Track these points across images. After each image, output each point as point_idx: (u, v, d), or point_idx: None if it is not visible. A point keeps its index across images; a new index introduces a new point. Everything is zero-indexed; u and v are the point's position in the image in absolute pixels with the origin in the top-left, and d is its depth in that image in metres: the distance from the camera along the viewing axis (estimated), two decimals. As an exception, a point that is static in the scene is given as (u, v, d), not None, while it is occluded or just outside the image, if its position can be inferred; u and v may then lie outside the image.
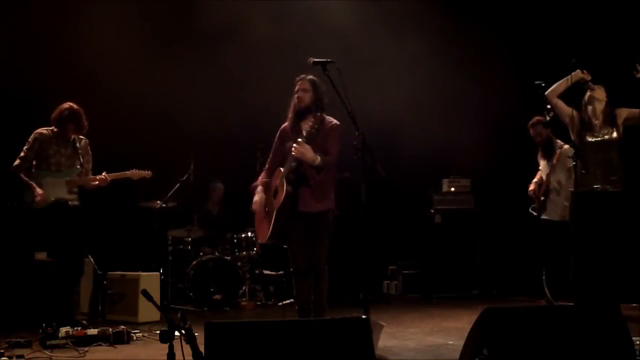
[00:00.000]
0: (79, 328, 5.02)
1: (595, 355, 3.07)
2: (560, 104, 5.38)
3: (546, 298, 6.42)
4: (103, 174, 5.61)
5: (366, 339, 2.93)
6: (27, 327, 5.29)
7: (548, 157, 6.44)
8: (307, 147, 4.36)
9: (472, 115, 7.89)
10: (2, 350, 4.52)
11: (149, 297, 3.04)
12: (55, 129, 5.57)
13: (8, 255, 6.22)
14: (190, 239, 7.51)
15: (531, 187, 6.60)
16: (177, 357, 2.88)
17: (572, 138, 5.44)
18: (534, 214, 6.55)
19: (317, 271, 4.55)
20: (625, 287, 5.34)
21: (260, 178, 4.85)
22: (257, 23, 7.56)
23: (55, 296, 5.45)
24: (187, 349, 2.83)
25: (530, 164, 6.88)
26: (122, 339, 5.03)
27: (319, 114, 4.50)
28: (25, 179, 5.45)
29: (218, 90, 7.62)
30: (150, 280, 6.39)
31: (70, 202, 5.56)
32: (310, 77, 4.65)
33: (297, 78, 4.69)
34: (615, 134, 5.33)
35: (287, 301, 7.21)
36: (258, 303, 7.43)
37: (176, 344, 2.89)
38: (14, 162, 5.52)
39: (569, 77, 5.26)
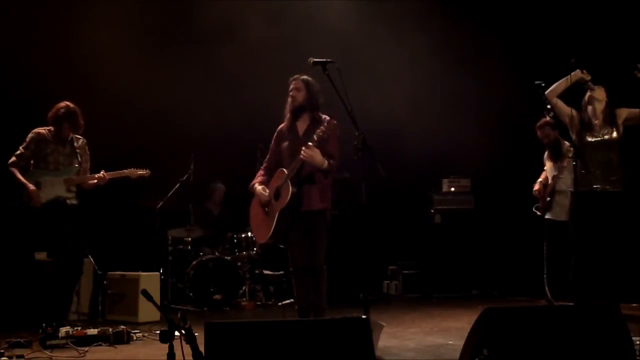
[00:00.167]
0: (79, 328, 5.03)
1: (595, 355, 3.07)
2: (560, 104, 5.38)
3: (546, 298, 6.42)
4: (101, 172, 5.61)
5: (366, 339, 2.93)
6: (27, 327, 5.28)
7: (555, 158, 6.43)
8: (317, 150, 4.38)
9: (472, 115, 7.90)
10: (2, 350, 4.52)
11: (149, 297, 3.04)
12: (52, 128, 5.57)
13: (8, 255, 6.23)
14: (190, 239, 7.51)
15: (536, 187, 6.59)
16: (177, 357, 2.88)
17: (572, 138, 5.44)
18: (538, 213, 6.54)
19: (316, 270, 4.55)
20: (625, 287, 5.34)
21: (258, 176, 4.85)
22: (257, 23, 7.57)
23: (54, 296, 5.44)
24: (187, 349, 2.83)
25: (530, 163, 6.88)
26: (122, 339, 5.03)
27: (330, 118, 4.51)
28: (19, 175, 5.42)
29: (218, 90, 7.63)
30: (150, 280, 6.40)
31: (68, 201, 5.55)
32: (304, 76, 4.70)
33: (291, 78, 4.75)
34: (615, 134, 5.33)
35: (287, 301, 7.22)
36: (258, 303, 7.43)
37: (176, 344, 2.89)
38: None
39: (568, 77, 5.25)
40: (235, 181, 7.61)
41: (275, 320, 3.14)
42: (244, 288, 7.40)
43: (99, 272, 6.43)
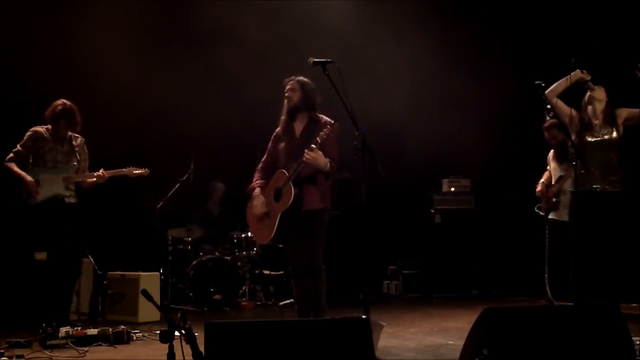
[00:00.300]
0: (79, 328, 5.02)
1: (595, 355, 3.07)
2: (560, 104, 5.37)
3: (547, 297, 6.42)
4: (100, 170, 5.60)
5: (366, 339, 2.93)
6: (27, 327, 5.28)
7: (561, 159, 6.42)
8: (320, 153, 4.39)
9: (472, 115, 7.90)
10: (2, 350, 4.52)
11: (149, 297, 3.04)
12: (50, 126, 5.56)
13: (8, 255, 6.22)
14: (190, 239, 7.51)
15: (539, 187, 6.59)
16: (177, 357, 2.88)
17: (572, 138, 5.43)
18: (541, 213, 6.54)
19: (315, 270, 4.55)
20: (625, 287, 5.34)
21: (255, 180, 4.86)
22: (257, 23, 7.57)
23: (54, 295, 5.44)
24: (187, 349, 2.83)
25: (530, 163, 6.88)
26: (122, 339, 5.02)
27: (335, 122, 4.50)
28: (16, 169, 5.40)
29: (218, 90, 7.63)
30: (150, 280, 6.40)
31: (66, 199, 5.54)
32: (299, 77, 4.71)
33: (286, 80, 4.76)
34: (615, 134, 5.33)
35: (287, 301, 7.21)
36: (258, 303, 7.43)
37: (176, 344, 2.89)
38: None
39: (568, 77, 5.25)
40: (235, 181, 7.60)
41: (275, 320, 3.15)
42: (244, 288, 7.40)
43: (99, 272, 6.43)
